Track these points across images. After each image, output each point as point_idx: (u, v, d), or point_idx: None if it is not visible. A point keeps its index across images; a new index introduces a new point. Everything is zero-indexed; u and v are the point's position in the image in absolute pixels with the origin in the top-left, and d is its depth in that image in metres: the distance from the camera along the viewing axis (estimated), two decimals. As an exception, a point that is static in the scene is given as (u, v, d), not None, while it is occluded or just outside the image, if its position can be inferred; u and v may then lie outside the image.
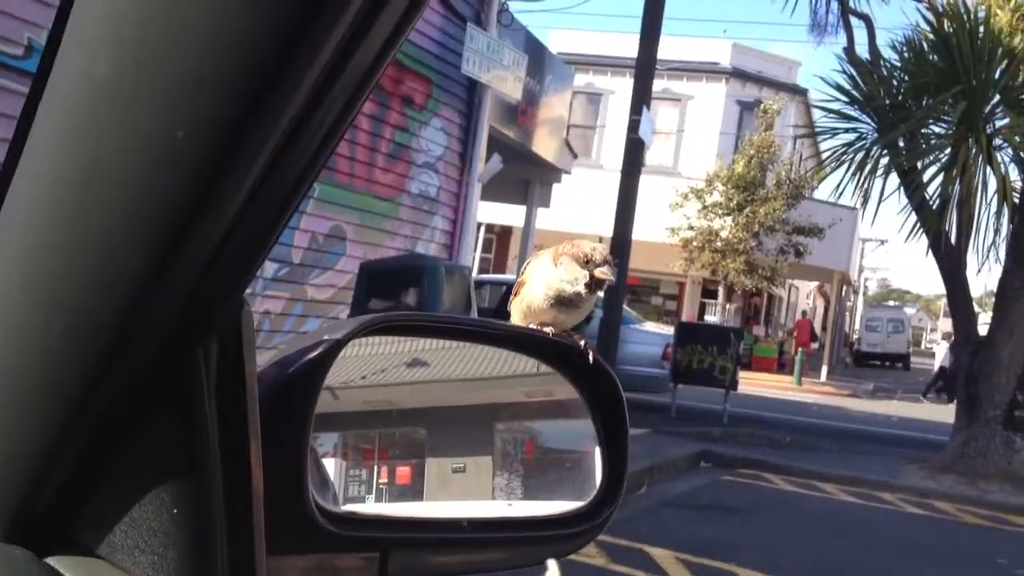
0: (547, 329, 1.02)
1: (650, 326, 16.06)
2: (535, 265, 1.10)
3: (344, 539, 0.76)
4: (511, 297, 1.16)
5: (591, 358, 0.99)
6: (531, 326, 1.04)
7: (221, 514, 0.65)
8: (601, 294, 1.08)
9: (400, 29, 0.56)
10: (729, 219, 24.74)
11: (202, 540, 0.65)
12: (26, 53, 6.25)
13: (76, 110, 0.56)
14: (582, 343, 1.02)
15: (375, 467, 1.01)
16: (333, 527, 0.74)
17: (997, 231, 11.79)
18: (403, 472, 1.02)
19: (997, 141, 11.49)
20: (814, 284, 40.03)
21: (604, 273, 1.04)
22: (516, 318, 1.10)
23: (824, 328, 35.19)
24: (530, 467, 1.10)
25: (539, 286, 1.06)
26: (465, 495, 1.02)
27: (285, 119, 0.54)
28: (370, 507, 0.92)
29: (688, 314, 28.48)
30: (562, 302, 1.03)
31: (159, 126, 0.54)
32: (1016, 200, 11.53)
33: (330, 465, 0.99)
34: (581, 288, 1.04)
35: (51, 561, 0.65)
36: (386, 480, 1.01)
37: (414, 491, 1.02)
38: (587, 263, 1.05)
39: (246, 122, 0.54)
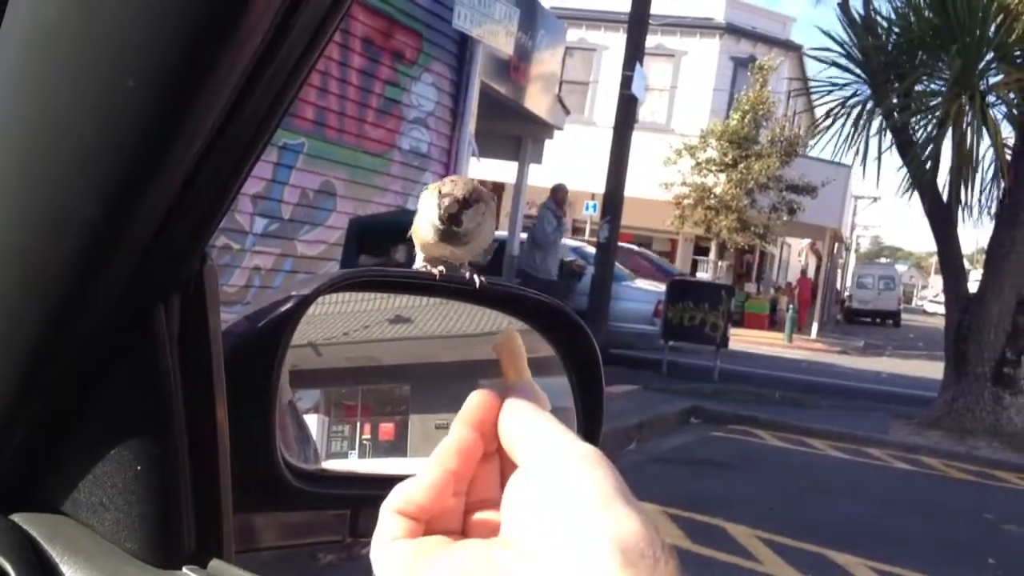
0: (436, 270, 0.99)
1: (642, 283, 16.07)
2: (423, 195, 1.08)
3: (313, 496, 0.75)
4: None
5: (478, 283, 0.98)
6: (424, 265, 1.02)
7: (186, 471, 0.65)
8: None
9: None
10: (723, 176, 24.69)
11: (166, 498, 0.64)
12: None
13: (24, 58, 0.54)
14: (469, 275, 1.00)
15: (358, 423, 1.01)
16: (302, 484, 0.74)
17: (989, 188, 11.81)
18: (387, 428, 1.02)
19: (991, 98, 11.45)
20: (806, 241, 40.05)
21: (444, 206, 1.01)
22: (417, 249, 1.08)
23: (816, 285, 35.27)
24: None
25: (421, 216, 1.04)
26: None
27: (240, 66, 0.53)
28: (342, 464, 0.91)
29: (680, 271, 28.51)
30: (439, 234, 1.01)
31: (109, 74, 0.52)
32: (1008, 157, 11.51)
33: (312, 421, 0.98)
34: (438, 219, 1.01)
35: (16, 518, 0.64)
36: (369, 436, 1.00)
37: (398, 447, 1.02)
38: (441, 195, 1.03)
39: (199, 70, 0.52)
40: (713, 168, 24.78)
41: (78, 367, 0.62)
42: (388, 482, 0.89)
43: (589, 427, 0.96)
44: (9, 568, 0.61)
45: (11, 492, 0.66)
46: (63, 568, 0.62)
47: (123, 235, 0.57)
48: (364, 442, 1.00)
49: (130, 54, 0.52)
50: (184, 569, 0.64)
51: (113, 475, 0.64)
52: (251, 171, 0.60)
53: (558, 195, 12.40)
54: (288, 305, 0.75)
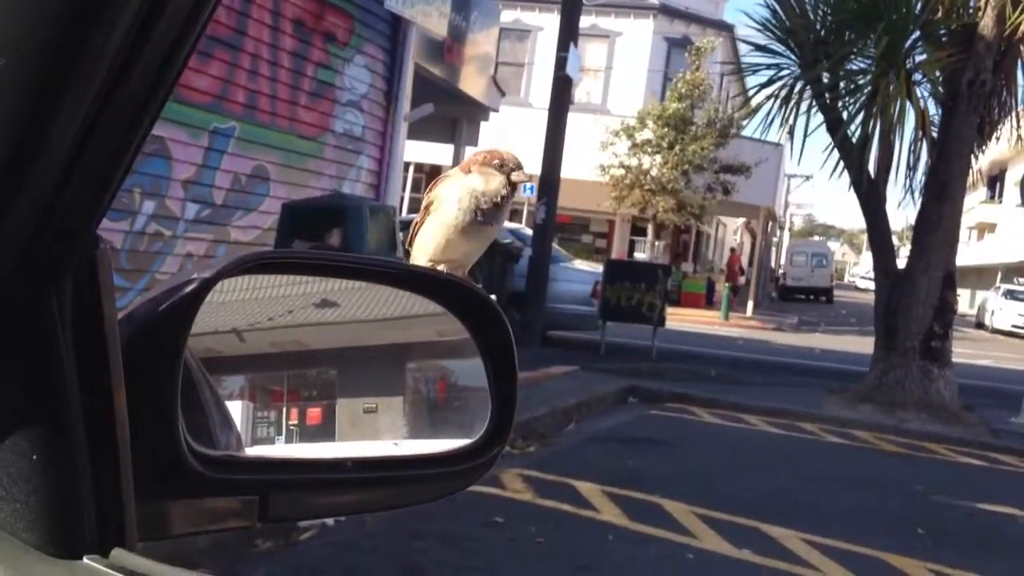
0: (441, 266, 1.00)
1: (579, 264, 16.14)
2: (446, 183, 1.07)
3: (219, 482, 0.74)
4: (413, 227, 1.13)
5: (487, 301, 0.98)
6: (431, 263, 1.03)
7: (85, 459, 0.64)
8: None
9: None
10: (659, 157, 24.86)
11: (65, 487, 0.63)
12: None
13: None
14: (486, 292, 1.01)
15: (284, 408, 1.00)
16: (207, 471, 0.73)
17: (915, 166, 12.04)
18: (314, 413, 1.01)
19: (916, 76, 11.67)
20: (741, 220, 40.56)
21: (520, 176, 1.02)
22: (426, 244, 1.07)
23: (751, 264, 35.73)
24: (443, 405, 1.10)
25: (452, 201, 1.03)
26: (377, 435, 1.01)
27: (115, 38, 0.52)
28: (250, 450, 0.91)
29: (618, 252, 28.68)
30: (481, 218, 1.01)
31: None
32: (934, 135, 11.75)
33: (236, 408, 0.97)
34: (504, 191, 1.01)
35: (-94, 512, 0.63)
36: (296, 421, 0.99)
37: (325, 432, 1.01)
38: (502, 167, 1.03)
39: (74, 43, 0.51)
40: (649, 150, 24.93)
41: (-34, 357, 0.61)
42: (298, 467, 0.89)
43: (503, 411, 0.96)
44: (-100, 563, 0.59)
45: None
46: None
47: (5, 217, 0.56)
48: (291, 427, 0.99)
49: (1, 29, 0.50)
50: (85, 559, 0.63)
51: (8, 465, 0.62)
52: (139, 149, 0.59)
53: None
54: (191, 287, 0.74)
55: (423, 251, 1.08)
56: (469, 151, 15.71)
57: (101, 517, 0.64)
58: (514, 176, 1.04)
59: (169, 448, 0.71)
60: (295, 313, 1.05)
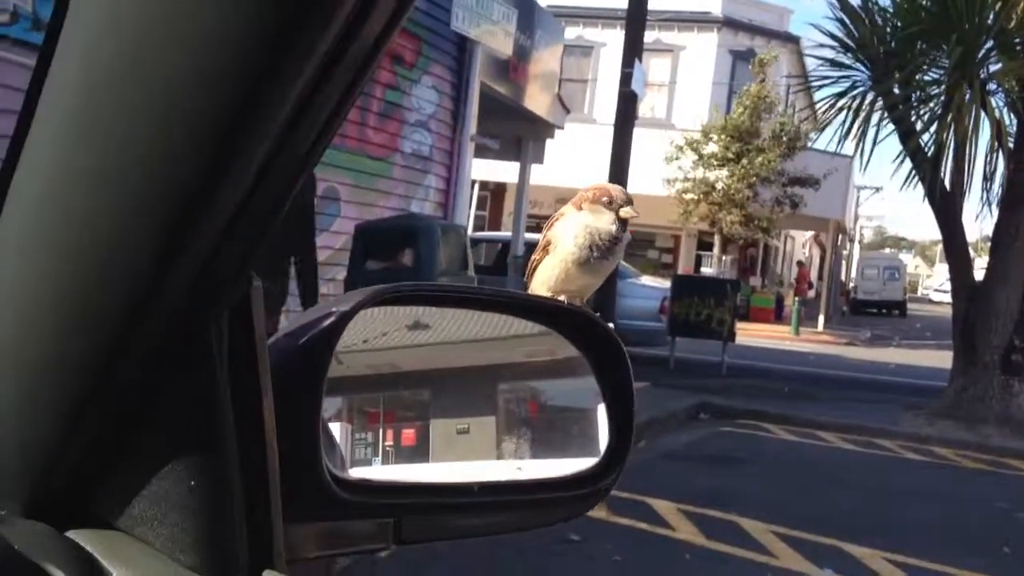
0: (561, 297, 1.03)
1: (647, 280, 16.07)
2: (562, 222, 1.10)
3: (359, 506, 0.77)
4: (532, 260, 1.17)
5: (606, 330, 1.01)
6: (550, 293, 1.05)
7: (238, 485, 0.66)
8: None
9: (396, 17, 0.56)
10: (725, 171, 24.68)
11: (220, 511, 0.66)
12: (12, 19, 6.20)
13: (77, 103, 0.56)
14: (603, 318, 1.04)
15: (380, 430, 1.02)
16: (347, 495, 0.75)
17: (992, 177, 11.80)
18: (408, 434, 1.03)
19: (991, 86, 11.44)
20: (810, 234, 40.02)
21: (628, 212, 1.05)
22: (545, 279, 1.10)
23: (820, 277, 35.24)
24: (535, 426, 1.11)
25: (569, 239, 1.06)
26: (470, 455, 1.03)
27: (286, 108, 0.55)
28: (381, 472, 0.93)
29: (684, 267, 28.50)
30: (598, 254, 1.04)
31: (159, 118, 0.54)
32: (1011, 145, 11.50)
33: (336, 429, 1.00)
34: (614, 227, 1.04)
35: (72, 535, 0.66)
36: (392, 443, 1.02)
37: (419, 453, 1.03)
38: (611, 204, 1.06)
39: (247, 112, 0.54)
40: (715, 163, 24.77)
41: (133, 386, 0.64)
42: (430, 491, 0.92)
43: (621, 434, 0.98)
44: (68, 584, 0.62)
45: (66, 509, 0.67)
46: None
47: (173, 271, 0.59)
48: (387, 448, 1.01)
49: (180, 97, 0.53)
50: None
51: (168, 490, 0.65)
52: (294, 194, 0.62)
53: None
54: (330, 320, 0.77)
55: (542, 284, 1.10)
56: (535, 168, 15.78)
57: (252, 539, 0.67)
58: (623, 212, 1.07)
59: (313, 473, 0.73)
60: (389, 335, 1.08)
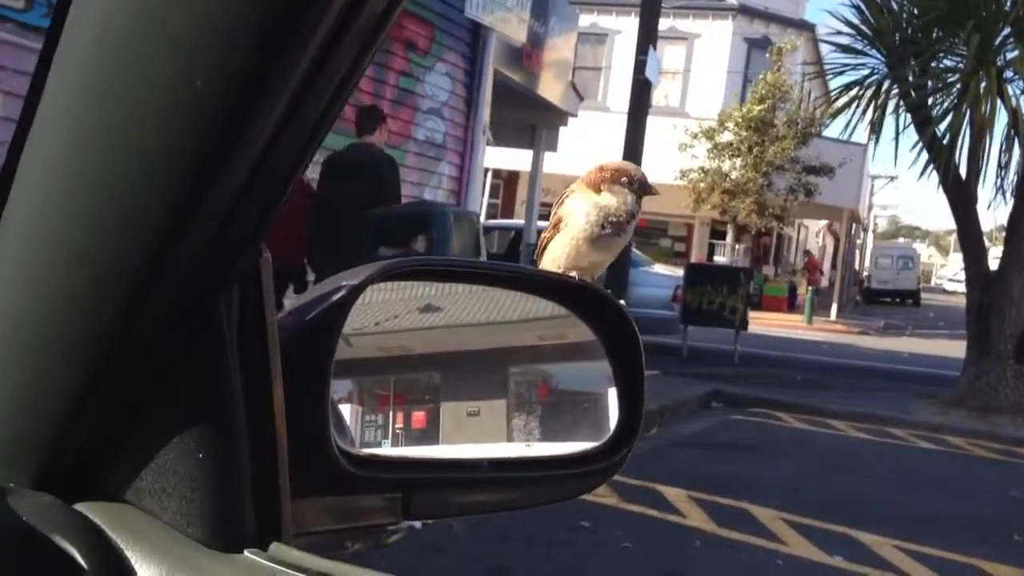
0: (573, 274, 1.02)
1: (660, 268, 16.04)
2: (573, 198, 1.10)
3: (367, 480, 0.77)
4: (542, 237, 1.17)
5: (617, 306, 1.00)
6: (561, 270, 1.05)
7: (246, 458, 0.67)
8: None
9: None
10: (738, 160, 24.59)
11: (228, 484, 0.66)
12: (27, 5, 6.20)
13: (93, 61, 0.56)
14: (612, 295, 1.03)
15: (391, 412, 1.02)
16: (355, 469, 0.75)
17: (1007, 165, 11.72)
18: (418, 417, 1.03)
19: (1008, 74, 11.37)
20: (823, 222, 39.88)
21: (648, 189, 1.06)
22: (556, 256, 1.09)
23: (834, 266, 35.13)
24: (545, 409, 1.11)
25: (580, 216, 1.06)
26: (480, 438, 1.03)
27: (301, 66, 0.55)
28: (390, 449, 0.93)
29: (697, 255, 28.44)
30: (610, 230, 1.04)
31: (176, 75, 0.54)
32: (1027, 133, 11.43)
33: (346, 411, 1.00)
34: (630, 206, 1.04)
35: (80, 507, 0.66)
36: (402, 425, 1.01)
37: (430, 435, 1.03)
38: (630, 183, 1.06)
39: (263, 70, 0.54)
40: (728, 153, 24.67)
41: (142, 358, 0.64)
42: (439, 466, 0.92)
43: (631, 412, 0.97)
44: (77, 556, 0.63)
45: (75, 482, 0.67)
46: (128, 555, 0.64)
47: (187, 233, 0.59)
48: (397, 431, 1.01)
49: (198, 54, 0.53)
50: (246, 552, 0.66)
51: (176, 463, 0.66)
52: (308, 166, 0.62)
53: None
54: (340, 294, 0.77)
55: (553, 261, 1.10)
56: (548, 156, 15.74)
57: (260, 512, 0.67)
58: (641, 191, 1.07)
59: (320, 447, 0.73)
60: (400, 318, 1.07)
